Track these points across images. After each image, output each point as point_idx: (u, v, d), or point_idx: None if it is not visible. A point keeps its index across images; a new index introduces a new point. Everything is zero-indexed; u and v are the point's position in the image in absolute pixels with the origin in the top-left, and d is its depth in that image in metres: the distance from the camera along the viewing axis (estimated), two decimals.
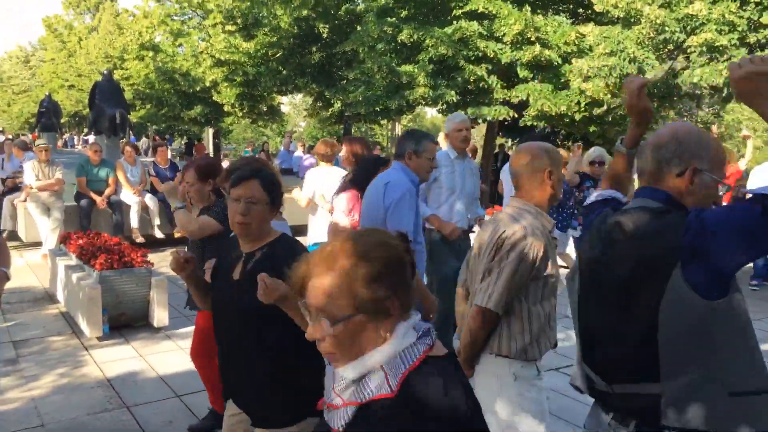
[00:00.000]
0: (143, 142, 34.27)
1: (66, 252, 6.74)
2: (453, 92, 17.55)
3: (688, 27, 13.14)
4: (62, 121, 32.39)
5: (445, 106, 19.10)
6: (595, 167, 7.10)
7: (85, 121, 37.52)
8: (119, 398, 4.43)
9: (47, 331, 5.87)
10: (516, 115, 17.38)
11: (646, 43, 13.98)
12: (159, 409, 4.27)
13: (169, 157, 10.83)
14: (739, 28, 12.64)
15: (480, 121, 19.66)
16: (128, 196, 9.40)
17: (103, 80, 12.98)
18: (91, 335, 5.55)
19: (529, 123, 16.93)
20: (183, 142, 35.88)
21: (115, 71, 24.51)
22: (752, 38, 12.71)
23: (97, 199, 9.11)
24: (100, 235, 6.87)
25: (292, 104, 55.16)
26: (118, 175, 9.43)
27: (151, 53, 26.34)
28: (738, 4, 12.66)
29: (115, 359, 5.19)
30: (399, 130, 27.32)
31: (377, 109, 18.39)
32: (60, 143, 30.68)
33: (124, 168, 9.53)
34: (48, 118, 20.52)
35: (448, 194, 4.95)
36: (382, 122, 26.71)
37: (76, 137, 43.26)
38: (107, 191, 9.26)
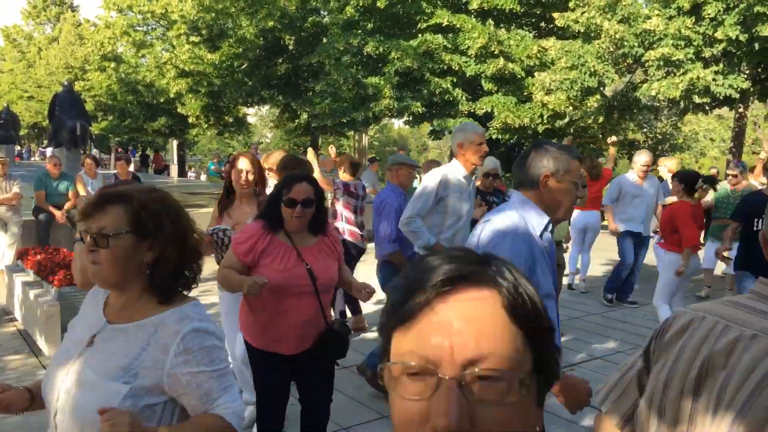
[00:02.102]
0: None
1: (23, 268, 6.57)
2: (418, 104, 17.71)
3: (646, 42, 13.52)
4: (21, 132, 31.66)
5: (410, 118, 19.24)
6: (489, 180, 5.86)
7: (44, 132, 36.76)
8: None
9: (4, 350, 5.70)
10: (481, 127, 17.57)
11: (606, 57, 14.33)
12: None
13: (131, 169, 10.66)
14: (695, 43, 13.04)
15: (446, 132, 19.85)
16: None
17: (63, 91, 12.76)
18: (49, 353, 5.41)
19: (494, 136, 17.15)
20: (138, 154, 35.34)
21: (76, 82, 24.09)
22: (707, 52, 13.13)
23: (57, 213, 8.90)
24: (59, 251, 6.71)
25: (259, 116, 54.88)
26: (78, 189, 9.24)
27: (113, 64, 25.96)
28: (693, 20, 13.07)
29: None
30: (366, 141, 27.39)
31: (343, 120, 18.45)
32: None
33: (84, 181, 9.35)
34: (6, 129, 20.03)
35: (454, 221, 4.25)
36: (348, 134, 26.76)
37: (31, 149, 42.34)
38: (67, 205, 9.06)
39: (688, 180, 5.80)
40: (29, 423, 4.00)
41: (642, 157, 7.30)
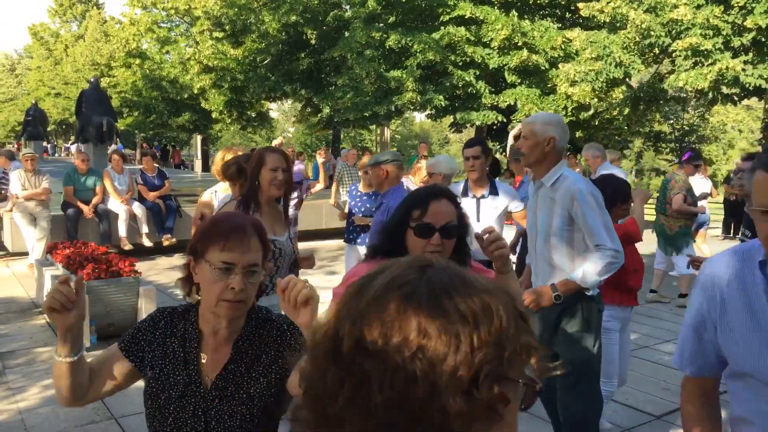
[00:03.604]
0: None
1: (52, 262, 6.68)
2: (441, 97, 17.61)
3: (673, 31, 13.26)
4: (49, 129, 32.18)
5: (433, 111, 19.16)
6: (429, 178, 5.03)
7: (72, 129, 37.33)
8: (107, 409, 4.38)
9: (34, 342, 5.81)
10: (504, 120, 17.45)
11: (632, 47, 14.09)
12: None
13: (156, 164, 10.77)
14: (724, 32, 12.76)
15: (468, 125, 19.71)
16: (115, 204, 9.34)
17: (89, 88, 12.91)
18: None
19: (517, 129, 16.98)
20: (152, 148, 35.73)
21: (102, 79, 24.40)
22: (736, 42, 12.84)
23: (84, 208, 9.04)
24: (87, 245, 6.81)
25: (281, 110, 55.12)
26: (105, 184, 9.36)
27: (138, 61, 26.27)
28: (722, 9, 12.79)
29: None
30: (388, 135, 27.36)
31: (366, 114, 18.42)
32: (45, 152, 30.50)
33: (111, 176, 9.47)
34: (34, 126, 20.39)
35: (533, 236, 3.33)
36: (370, 127, 26.74)
37: (56, 145, 43.02)
38: (94, 200, 9.19)
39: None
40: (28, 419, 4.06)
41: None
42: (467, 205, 4.17)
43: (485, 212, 4.30)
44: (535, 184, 3.20)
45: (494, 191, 4.38)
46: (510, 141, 6.18)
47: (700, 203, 8.00)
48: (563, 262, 3.07)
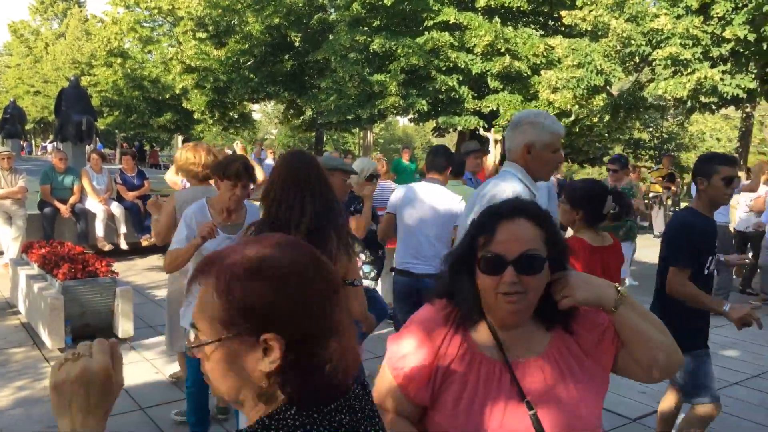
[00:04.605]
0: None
1: (28, 261, 6.58)
2: (424, 102, 17.67)
3: (654, 41, 13.45)
4: (27, 127, 31.74)
5: (416, 115, 19.22)
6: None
7: (50, 127, 36.84)
8: None
9: (7, 343, 5.71)
10: (486, 125, 17.56)
11: (613, 55, 14.26)
12: (122, 423, 4.17)
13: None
14: (703, 42, 12.96)
15: (451, 130, 19.80)
16: (94, 204, 9.23)
17: (69, 86, 12.75)
18: (53, 347, 5.42)
19: (500, 134, 17.11)
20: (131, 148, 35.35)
21: (82, 77, 24.13)
22: (715, 52, 13.05)
23: (62, 207, 8.92)
24: (63, 244, 6.72)
25: (264, 112, 54.92)
26: (83, 183, 9.25)
27: (119, 60, 26.04)
28: (701, 19, 12.99)
29: None
30: (371, 138, 27.38)
31: (349, 117, 18.43)
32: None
33: (90, 175, 9.36)
34: (12, 124, 20.08)
35: None
36: (353, 131, 26.75)
37: (33, 144, 42.43)
38: (72, 199, 9.07)
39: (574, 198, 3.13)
40: (31, 414, 4.01)
41: None
42: None
43: None
44: None
45: None
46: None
47: None
48: None
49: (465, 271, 1.47)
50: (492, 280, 1.40)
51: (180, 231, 3.34)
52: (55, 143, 13.64)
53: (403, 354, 1.49)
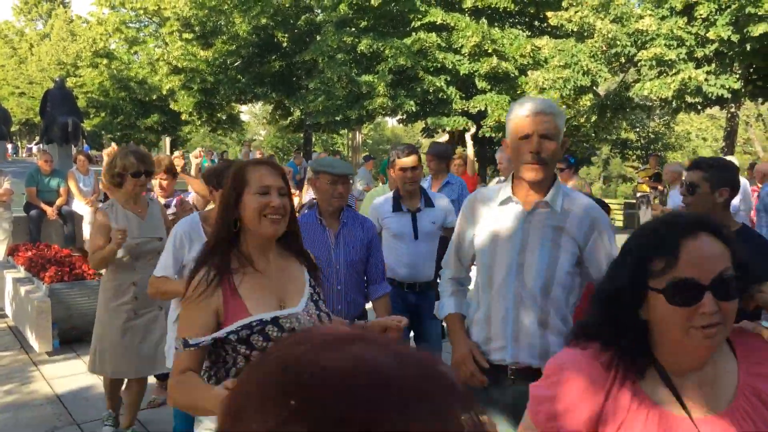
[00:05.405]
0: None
1: (14, 264, 6.54)
2: (412, 102, 17.71)
3: (639, 41, 13.57)
4: (12, 129, 31.46)
5: (404, 116, 19.26)
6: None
7: (36, 129, 36.57)
8: (69, 415, 4.30)
9: None
10: (474, 126, 17.63)
11: (599, 56, 14.37)
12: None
13: None
14: (687, 43, 13.10)
15: (439, 130, 19.86)
16: (80, 206, 9.17)
17: (55, 88, 12.65)
18: (40, 350, 5.38)
19: (487, 134, 17.19)
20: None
21: (68, 79, 23.96)
22: (699, 53, 13.18)
23: (48, 209, 8.85)
24: (50, 247, 6.69)
25: (252, 113, 54.75)
26: (69, 185, 9.19)
27: (105, 61, 25.85)
28: (686, 20, 13.13)
29: (66, 375, 5.03)
30: (359, 139, 27.39)
31: (337, 118, 18.44)
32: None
33: (76, 177, 9.30)
34: None
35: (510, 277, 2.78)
36: (341, 131, 26.74)
37: (18, 146, 42.00)
38: (58, 201, 9.01)
39: None
40: (19, 419, 3.98)
41: None
42: (402, 221, 3.88)
43: (422, 227, 3.90)
44: (524, 209, 2.20)
45: (429, 203, 3.95)
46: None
47: None
48: (558, 323, 2.15)
49: (628, 306, 1.20)
50: (684, 311, 1.13)
51: (166, 257, 2.95)
52: (40, 145, 13.52)
53: (557, 411, 1.25)
